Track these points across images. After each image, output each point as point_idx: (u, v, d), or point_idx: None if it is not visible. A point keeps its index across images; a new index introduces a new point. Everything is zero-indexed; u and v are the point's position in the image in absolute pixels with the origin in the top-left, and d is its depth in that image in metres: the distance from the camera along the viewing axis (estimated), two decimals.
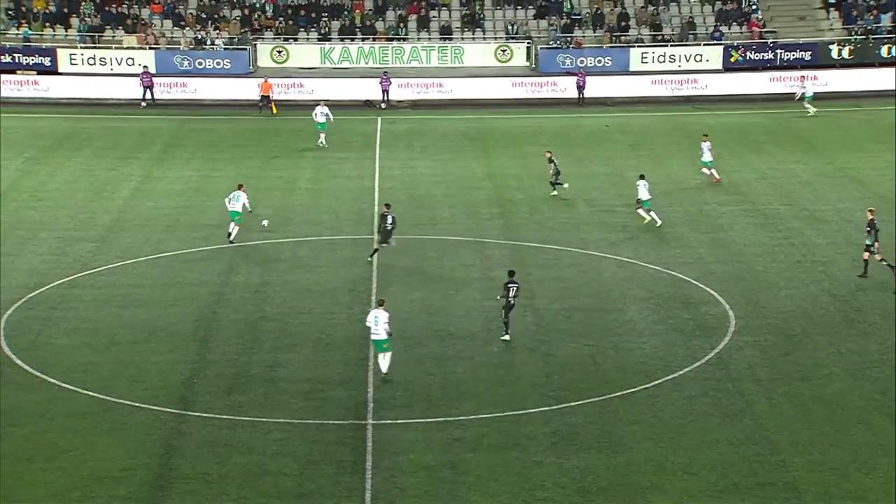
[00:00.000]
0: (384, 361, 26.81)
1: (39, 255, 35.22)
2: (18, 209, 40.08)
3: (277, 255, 35.87)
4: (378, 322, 26.73)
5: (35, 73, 59.25)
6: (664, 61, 62.21)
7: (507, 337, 29.09)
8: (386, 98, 58.66)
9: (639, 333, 29.85)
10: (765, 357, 28.27)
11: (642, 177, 38.96)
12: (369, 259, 34.24)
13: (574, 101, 58.99)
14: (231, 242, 36.01)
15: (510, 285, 29.09)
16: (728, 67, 62.04)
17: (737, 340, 29.15)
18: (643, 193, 38.36)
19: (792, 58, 62.40)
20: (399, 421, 24.89)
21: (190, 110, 56.99)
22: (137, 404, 25.40)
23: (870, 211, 33.82)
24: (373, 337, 26.88)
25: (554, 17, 64.95)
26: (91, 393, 25.93)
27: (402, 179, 45.05)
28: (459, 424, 24.79)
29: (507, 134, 53.44)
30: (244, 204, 36.17)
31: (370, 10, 65.40)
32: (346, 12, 64.79)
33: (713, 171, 43.67)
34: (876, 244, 33.08)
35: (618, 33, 64.40)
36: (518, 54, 63.10)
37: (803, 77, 58.14)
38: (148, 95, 57.31)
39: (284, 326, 30.13)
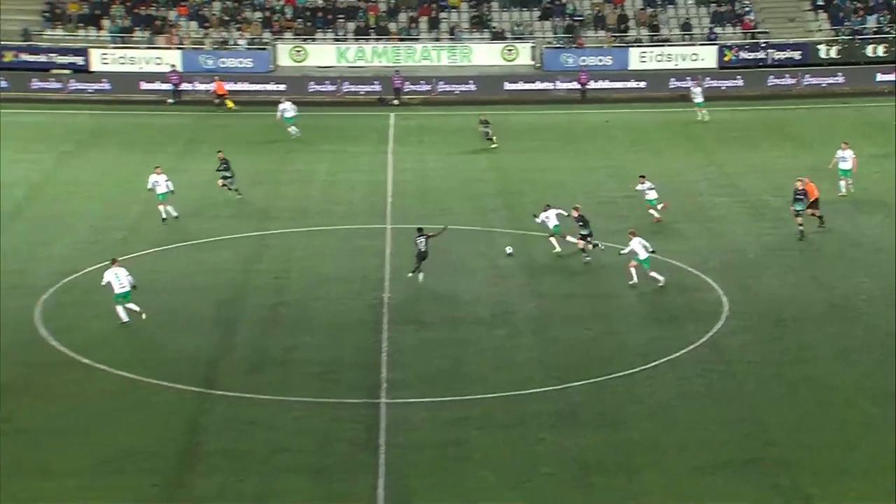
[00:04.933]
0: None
1: (73, 244, 35.33)
2: (54, 200, 40.22)
3: (296, 244, 35.91)
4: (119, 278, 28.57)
5: (69, 71, 59.27)
6: (662, 60, 62.03)
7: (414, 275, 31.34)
8: (398, 95, 58.60)
9: (637, 318, 29.84)
10: (755, 340, 28.24)
11: (643, 178, 38.29)
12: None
13: (576, 99, 58.90)
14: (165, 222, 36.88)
15: (418, 238, 31.53)
16: (722, 66, 61.83)
17: (730, 325, 29.12)
18: (650, 194, 37.70)
19: (783, 57, 62.16)
20: (410, 400, 24.93)
21: (212, 107, 57.01)
22: (165, 383, 25.49)
23: (798, 181, 35.79)
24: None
25: (557, 19, 64.78)
26: (122, 372, 26.04)
27: (414, 173, 45.02)
28: (467, 404, 24.82)
29: (511, 129, 53.30)
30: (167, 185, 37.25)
31: (384, 11, 65.29)
32: (361, 14, 64.69)
33: (849, 182, 39.99)
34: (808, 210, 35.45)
35: (618, 34, 64.21)
36: (524, 54, 62.90)
37: (697, 80, 55.76)
38: (172, 89, 57.32)
39: (302, 311, 30.19)
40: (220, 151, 40.95)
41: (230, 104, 56.04)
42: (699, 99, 53.39)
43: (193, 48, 61.52)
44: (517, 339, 28.65)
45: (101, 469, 21.75)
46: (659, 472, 21.93)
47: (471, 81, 60.65)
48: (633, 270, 31.63)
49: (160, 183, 37.36)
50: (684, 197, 40.90)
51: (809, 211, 35.75)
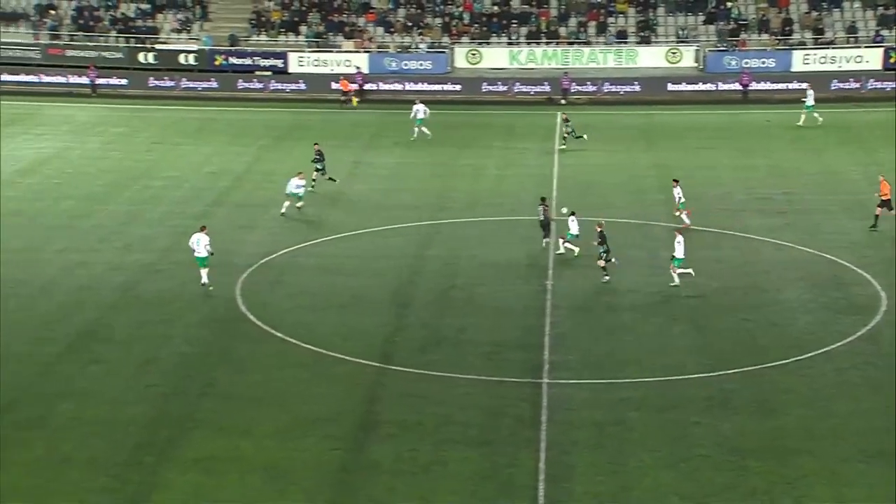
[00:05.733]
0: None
1: (270, 229, 36.53)
2: (254, 189, 41.64)
3: (466, 232, 36.17)
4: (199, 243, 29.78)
5: (270, 73, 61.30)
6: (825, 62, 59.47)
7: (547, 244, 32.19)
8: (566, 95, 58.22)
9: (793, 310, 28.78)
10: None
11: (676, 182, 36.14)
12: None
13: (738, 99, 57.17)
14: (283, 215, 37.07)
15: (539, 208, 32.79)
16: (888, 68, 58.77)
17: (887, 319, 27.75)
18: (679, 198, 35.72)
19: None
20: (571, 381, 24.80)
21: (394, 105, 57.96)
22: (347, 358, 26.08)
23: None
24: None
25: (721, 22, 62.99)
26: (310, 346, 26.76)
27: (578, 168, 44.62)
28: (624, 386, 24.51)
29: (673, 128, 52.23)
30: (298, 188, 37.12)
31: (554, 17, 64.96)
32: (533, 19, 64.54)
33: None
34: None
35: (781, 37, 61.91)
36: (687, 56, 61.48)
37: (809, 85, 52.21)
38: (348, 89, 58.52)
39: (471, 295, 30.38)
40: (315, 144, 41.42)
41: (354, 102, 56.74)
42: (810, 102, 50.63)
43: (379, 51, 62.69)
44: (674, 326, 28.07)
45: (291, 433, 22.41)
46: (813, 459, 21.15)
47: (635, 82, 59.68)
48: (674, 271, 30.26)
49: (299, 185, 37.43)
50: (844, 195, 39.20)
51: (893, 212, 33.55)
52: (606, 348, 26.77)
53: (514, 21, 64.46)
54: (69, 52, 62.16)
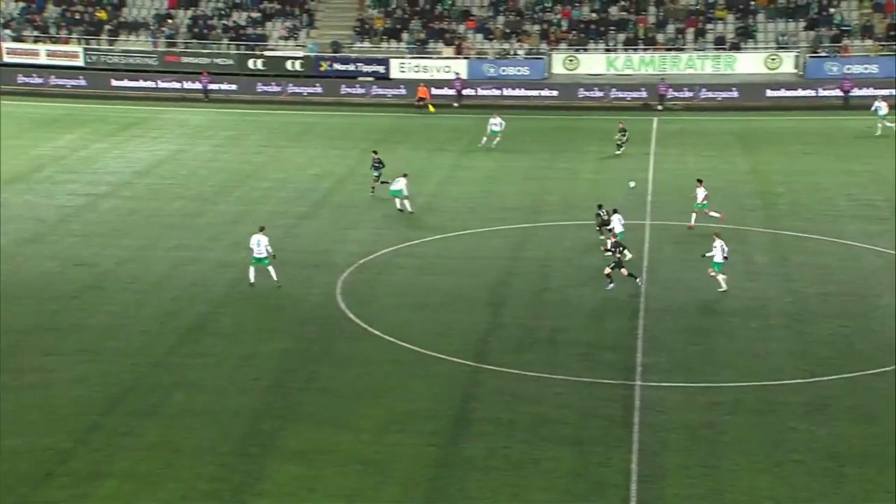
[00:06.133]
0: None
1: (369, 229, 36.86)
2: (355, 191, 42.05)
3: (561, 235, 35.93)
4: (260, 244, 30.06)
5: (372, 79, 61.97)
6: None
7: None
8: (662, 101, 57.40)
9: (892, 317, 27.78)
10: None
11: (700, 182, 35.48)
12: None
13: (838, 105, 55.54)
14: (401, 211, 37.34)
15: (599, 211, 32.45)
16: None
17: None
18: (701, 197, 34.98)
19: None
20: (664, 384, 24.41)
21: (493, 110, 57.92)
22: (442, 356, 26.14)
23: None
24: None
25: (823, 28, 61.29)
26: (406, 344, 26.90)
27: (673, 173, 43.94)
28: (718, 390, 24.02)
29: (772, 134, 51.03)
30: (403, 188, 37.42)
31: (652, 23, 64.14)
32: (631, 26, 63.86)
33: None
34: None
35: (886, 42, 59.92)
36: (787, 62, 60.02)
37: (882, 98, 50.47)
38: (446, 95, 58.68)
39: (565, 297, 30.17)
40: (375, 151, 41.16)
41: (431, 108, 56.72)
42: (884, 111, 48.89)
43: (478, 58, 62.80)
44: (770, 331, 27.40)
45: (388, 427, 22.55)
46: None
47: (733, 89, 58.53)
48: (720, 279, 29.40)
49: (400, 182, 37.96)
50: None
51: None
52: (700, 351, 26.27)
53: (612, 28, 63.86)
54: (184, 59, 63.91)
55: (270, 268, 30.67)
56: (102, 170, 44.98)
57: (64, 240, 35.36)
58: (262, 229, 31.13)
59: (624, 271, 29.89)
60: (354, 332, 27.76)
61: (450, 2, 66.39)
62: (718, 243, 29.78)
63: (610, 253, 30.35)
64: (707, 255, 29.98)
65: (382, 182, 39.75)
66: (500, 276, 31.86)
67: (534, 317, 28.75)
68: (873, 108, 49.76)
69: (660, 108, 57.29)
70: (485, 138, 48.81)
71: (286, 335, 27.61)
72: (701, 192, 35.38)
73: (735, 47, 61.04)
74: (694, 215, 35.43)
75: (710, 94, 58.48)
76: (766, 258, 32.85)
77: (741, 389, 24.00)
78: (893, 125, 48.56)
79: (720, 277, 29.68)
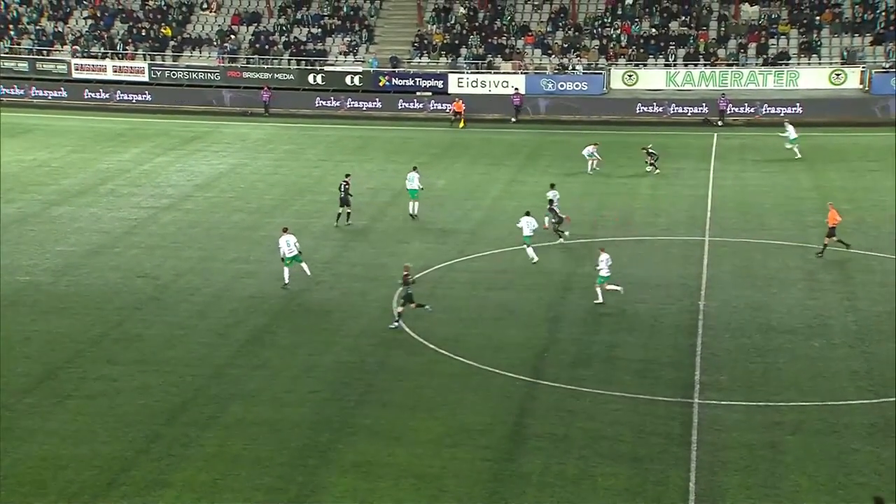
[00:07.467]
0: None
1: (426, 243, 36.97)
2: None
3: (619, 250, 35.65)
4: None
5: (430, 94, 62.23)
6: None
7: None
8: (723, 117, 56.81)
9: None
10: None
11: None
12: None
13: None
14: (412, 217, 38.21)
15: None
16: None
17: None
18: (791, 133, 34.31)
19: None
20: (723, 402, 24.06)
21: (550, 125, 57.83)
22: (498, 371, 26.08)
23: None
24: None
25: (891, 44, 60.19)
26: (461, 358, 26.88)
27: (733, 189, 43.43)
28: (779, 410, 23.62)
29: (836, 150, 50.19)
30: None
31: (713, 39, 63.58)
32: (691, 41, 63.36)
33: None
34: None
35: None
36: (852, 78, 59.08)
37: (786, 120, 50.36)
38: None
39: (622, 312, 29.93)
40: (347, 175, 40.19)
41: (462, 124, 56.63)
42: (792, 136, 47.78)
43: (536, 73, 62.78)
44: (833, 350, 26.88)
45: (442, 441, 22.53)
46: None
47: (797, 104, 57.73)
48: (602, 289, 29.70)
49: (413, 180, 39.21)
50: None
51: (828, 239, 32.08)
52: (760, 370, 25.86)
53: (672, 43, 63.43)
54: (245, 74, 64.83)
55: (303, 263, 31.64)
56: (164, 183, 45.75)
57: (127, 252, 36.00)
58: (285, 230, 32.08)
59: (413, 305, 28.83)
60: (409, 346, 27.81)
61: (509, 17, 66.51)
62: (604, 257, 30.01)
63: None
64: (597, 268, 30.20)
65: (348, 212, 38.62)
66: (556, 291, 31.71)
67: (590, 332, 28.56)
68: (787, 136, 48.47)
69: (720, 123, 56.70)
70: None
71: (343, 348, 27.75)
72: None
73: (785, 60, 60.15)
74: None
75: (773, 110, 57.73)
76: (829, 276, 32.26)
77: (803, 409, 23.56)
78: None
79: (609, 287, 29.94)
